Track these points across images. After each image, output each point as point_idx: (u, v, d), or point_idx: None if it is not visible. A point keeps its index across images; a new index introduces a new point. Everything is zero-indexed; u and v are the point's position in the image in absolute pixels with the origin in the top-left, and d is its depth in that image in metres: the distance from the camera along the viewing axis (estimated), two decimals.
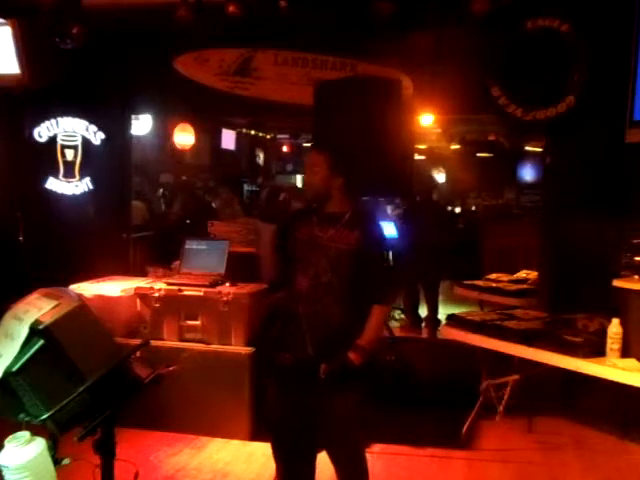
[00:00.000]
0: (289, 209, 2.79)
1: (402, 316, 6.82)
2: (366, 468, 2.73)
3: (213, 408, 4.07)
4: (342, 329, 2.59)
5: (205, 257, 4.41)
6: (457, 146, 12.28)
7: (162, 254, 5.60)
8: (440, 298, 6.81)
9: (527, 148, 12.21)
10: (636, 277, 3.60)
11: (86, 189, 5.44)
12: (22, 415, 1.87)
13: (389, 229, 6.39)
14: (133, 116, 6.10)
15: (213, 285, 4.19)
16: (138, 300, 4.31)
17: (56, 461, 1.90)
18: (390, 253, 5.74)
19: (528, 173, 12.67)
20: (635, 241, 3.72)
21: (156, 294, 4.23)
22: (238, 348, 4.12)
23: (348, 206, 2.73)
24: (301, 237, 2.70)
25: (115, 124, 5.46)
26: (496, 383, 4.29)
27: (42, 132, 5.40)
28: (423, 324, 6.71)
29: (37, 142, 5.40)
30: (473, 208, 11.36)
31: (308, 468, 2.76)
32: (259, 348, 4.03)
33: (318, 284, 2.61)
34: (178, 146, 9.79)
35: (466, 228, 9.99)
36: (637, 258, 3.64)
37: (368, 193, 3.90)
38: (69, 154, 5.42)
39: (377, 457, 3.85)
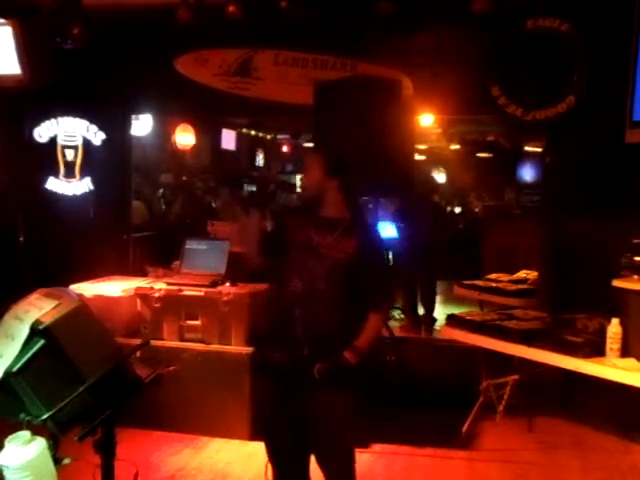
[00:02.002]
0: (276, 199, 2.74)
1: (402, 316, 6.82)
2: (354, 474, 2.69)
3: (213, 408, 4.07)
4: (337, 332, 2.57)
5: (205, 257, 4.41)
6: (457, 146, 12.27)
7: (162, 254, 5.60)
8: (440, 298, 6.81)
9: (527, 148, 12.21)
10: (636, 277, 3.60)
11: (86, 189, 5.44)
12: (22, 415, 1.87)
13: (389, 229, 6.38)
14: (133, 116, 6.10)
15: (213, 285, 4.19)
16: (138, 300, 4.32)
17: (56, 461, 1.90)
18: (390, 253, 5.77)
19: (528, 173, 12.67)
20: (635, 241, 3.72)
21: (156, 294, 4.23)
22: (238, 348, 4.12)
23: (346, 211, 2.69)
24: (296, 240, 2.64)
25: (115, 124, 5.46)
26: (496, 383, 4.30)
27: (42, 132, 5.40)
28: (421, 324, 6.70)
29: (37, 142, 5.40)
30: (476, 210, 11.34)
31: (302, 468, 2.73)
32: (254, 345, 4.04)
33: (313, 289, 2.57)
34: (179, 146, 9.79)
35: (466, 228, 10.00)
36: (637, 258, 3.64)
37: (368, 193, 3.90)
38: (69, 154, 5.42)
39: (377, 457, 3.86)
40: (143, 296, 4.29)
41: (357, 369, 2.56)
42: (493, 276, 5.44)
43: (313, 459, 2.71)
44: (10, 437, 1.85)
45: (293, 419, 2.61)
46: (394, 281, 3.04)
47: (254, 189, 13.09)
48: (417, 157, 10.31)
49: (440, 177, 13.17)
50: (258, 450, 3.91)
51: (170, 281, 4.32)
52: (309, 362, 2.51)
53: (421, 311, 6.68)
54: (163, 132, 9.57)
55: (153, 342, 3.86)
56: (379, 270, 2.70)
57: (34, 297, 2.01)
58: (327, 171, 2.65)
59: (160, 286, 4.26)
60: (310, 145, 10.41)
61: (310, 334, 2.55)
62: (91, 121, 5.39)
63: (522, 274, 5.38)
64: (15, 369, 1.82)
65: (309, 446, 2.68)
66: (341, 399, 2.57)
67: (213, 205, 9.52)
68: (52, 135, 5.41)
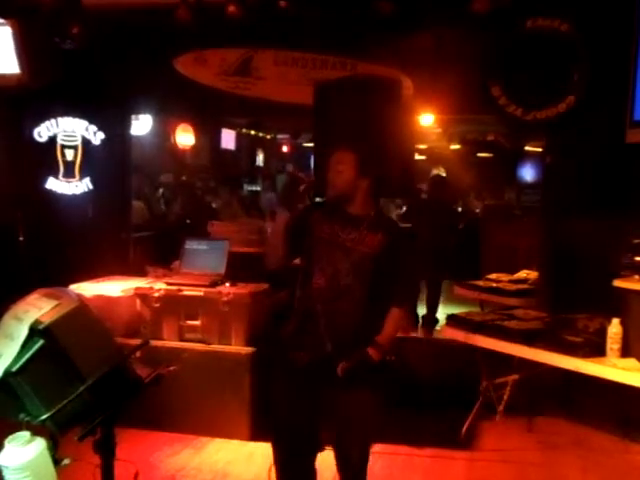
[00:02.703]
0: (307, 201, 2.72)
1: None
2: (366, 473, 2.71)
3: (213, 408, 4.07)
4: (361, 328, 2.58)
5: (205, 257, 4.41)
6: (457, 146, 12.27)
7: (162, 254, 5.59)
8: (440, 298, 6.80)
9: (527, 148, 12.21)
10: (636, 277, 3.60)
11: (86, 189, 5.44)
12: (22, 415, 1.87)
13: None
14: (133, 116, 6.10)
15: (213, 285, 4.19)
16: (138, 300, 4.31)
17: (56, 461, 1.90)
18: None
19: (528, 173, 12.66)
20: (635, 241, 3.71)
21: (156, 294, 4.23)
22: (238, 348, 4.12)
23: (371, 208, 2.69)
24: (322, 235, 2.63)
25: (115, 124, 5.45)
26: (496, 383, 4.29)
27: (42, 132, 5.39)
28: (420, 323, 6.70)
29: (37, 142, 5.39)
30: (477, 210, 11.33)
31: (309, 469, 2.72)
32: (267, 347, 4.01)
33: (337, 285, 2.56)
34: (180, 146, 9.80)
35: (466, 228, 9.98)
36: (637, 258, 3.64)
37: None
38: (69, 154, 5.42)
39: (377, 457, 3.85)
40: (143, 296, 4.29)
41: (380, 366, 2.58)
42: (493, 276, 5.43)
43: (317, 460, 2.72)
44: (10, 437, 1.85)
45: (309, 418, 2.61)
46: (419, 277, 3.05)
47: (253, 189, 13.11)
48: (417, 157, 10.31)
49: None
50: (258, 450, 3.93)
51: (170, 281, 4.31)
52: (333, 359, 2.51)
53: (422, 311, 6.68)
54: (163, 132, 9.58)
55: (153, 342, 3.86)
56: (405, 265, 2.68)
57: (33, 297, 2.01)
58: (360, 171, 2.63)
59: (160, 286, 4.26)
60: (310, 145, 10.40)
61: (333, 330, 2.55)
62: (91, 121, 5.38)
63: (522, 274, 5.37)
64: (14, 369, 1.82)
65: (319, 447, 2.67)
66: (365, 397, 2.57)
67: (213, 205, 9.52)
68: (52, 135, 5.40)
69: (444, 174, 9.16)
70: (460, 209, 11.57)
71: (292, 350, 2.63)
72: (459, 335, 4.12)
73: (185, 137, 9.84)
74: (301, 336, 2.63)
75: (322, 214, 2.68)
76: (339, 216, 2.65)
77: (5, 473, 1.82)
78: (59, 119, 5.39)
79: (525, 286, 5.04)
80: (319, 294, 2.58)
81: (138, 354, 2.11)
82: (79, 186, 5.43)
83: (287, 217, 2.66)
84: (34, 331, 1.85)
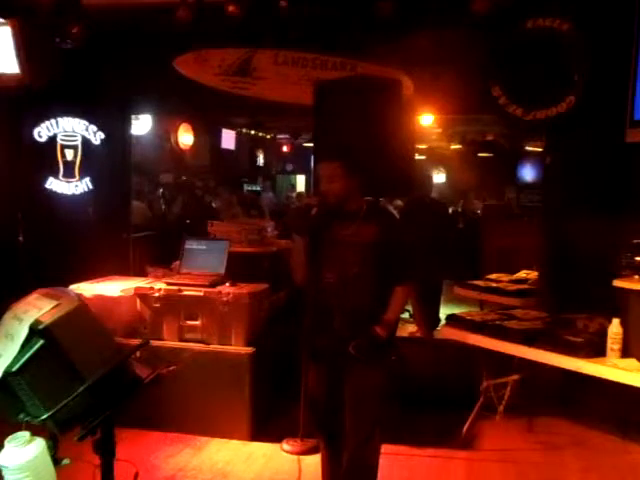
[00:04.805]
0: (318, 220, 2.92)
1: (403, 315, 6.80)
2: (376, 464, 2.93)
3: (213, 408, 4.07)
4: (373, 311, 2.84)
5: (205, 257, 4.41)
6: (457, 146, 12.27)
7: (162, 254, 5.59)
8: (441, 298, 6.79)
9: (527, 148, 12.21)
10: (636, 277, 3.59)
11: (86, 189, 5.44)
12: (22, 415, 1.87)
13: None
14: (133, 116, 6.10)
15: (213, 285, 4.19)
16: (138, 300, 4.31)
17: (56, 461, 1.90)
18: None
19: (528, 173, 12.66)
20: (635, 241, 3.71)
21: (156, 294, 4.23)
22: (238, 348, 4.11)
23: (363, 201, 2.96)
24: (327, 236, 2.89)
25: (115, 124, 5.45)
26: (496, 383, 4.29)
27: (42, 132, 5.39)
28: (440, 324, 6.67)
29: (37, 142, 5.39)
30: (478, 211, 11.32)
31: (339, 431, 2.95)
32: (269, 344, 4.25)
33: (346, 277, 2.82)
34: (182, 146, 9.80)
35: (466, 228, 9.98)
36: (637, 258, 3.64)
37: (369, 193, 3.89)
38: (69, 154, 5.42)
39: None
40: (143, 296, 4.29)
41: (387, 343, 2.87)
42: (493, 276, 5.43)
43: None
44: (10, 437, 1.86)
45: (337, 396, 2.89)
46: (418, 255, 3.28)
47: (253, 189, 13.10)
48: (417, 157, 10.30)
49: (440, 177, 13.16)
50: (258, 450, 3.95)
51: (170, 281, 4.31)
52: (347, 343, 2.80)
53: (443, 313, 6.64)
54: (163, 132, 9.57)
55: (153, 342, 3.87)
56: (401, 247, 2.93)
57: (33, 297, 2.01)
58: (348, 175, 2.89)
59: (160, 286, 4.26)
60: (310, 145, 10.40)
61: (346, 319, 2.83)
62: (90, 121, 5.39)
63: (522, 274, 5.37)
64: (14, 369, 1.82)
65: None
66: (374, 372, 2.87)
67: (213, 205, 9.53)
68: (52, 135, 5.40)
69: (443, 175, 9.15)
70: (460, 209, 11.58)
71: (317, 339, 2.90)
72: (459, 335, 4.12)
73: (185, 137, 9.84)
74: (320, 328, 2.88)
75: (325, 219, 2.91)
76: (337, 215, 2.90)
77: (5, 473, 1.82)
78: (59, 119, 5.39)
79: (525, 286, 5.04)
80: (331, 288, 2.85)
81: (138, 354, 2.11)
82: (79, 186, 5.44)
83: (305, 240, 2.92)
84: (34, 331, 1.85)
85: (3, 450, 1.85)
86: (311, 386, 3.03)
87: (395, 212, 7.30)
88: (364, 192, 3.01)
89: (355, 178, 2.91)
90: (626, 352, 3.43)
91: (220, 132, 11.73)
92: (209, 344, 4.17)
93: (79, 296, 2.10)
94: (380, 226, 2.88)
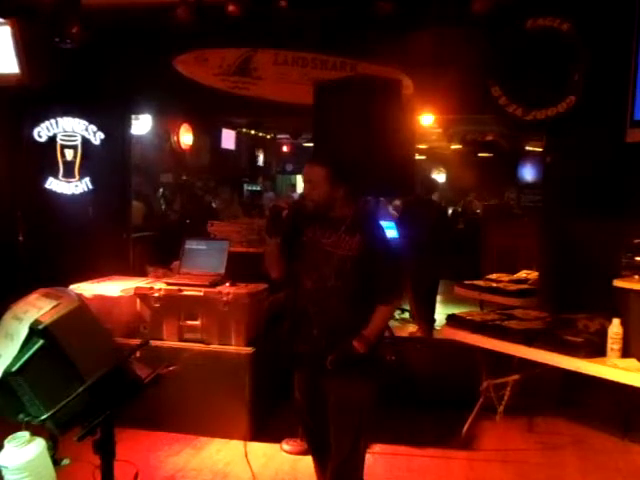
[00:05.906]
0: (291, 222, 2.85)
1: (402, 315, 6.82)
2: (360, 477, 2.83)
3: (213, 408, 4.07)
4: (350, 325, 2.70)
5: (205, 257, 4.40)
6: (457, 146, 12.26)
7: (162, 254, 5.59)
8: (440, 298, 6.80)
9: (527, 148, 12.20)
10: (636, 277, 3.60)
11: (86, 189, 5.43)
12: (22, 415, 1.87)
13: (390, 231, 6.36)
14: (133, 116, 6.10)
15: (213, 285, 4.19)
16: (138, 300, 4.31)
17: (56, 461, 1.90)
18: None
19: (528, 173, 12.66)
20: (635, 241, 3.71)
21: (156, 294, 4.22)
22: (238, 348, 4.11)
23: (349, 209, 2.80)
24: (306, 240, 2.78)
25: (115, 124, 5.45)
26: (496, 383, 4.29)
27: (42, 132, 5.39)
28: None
29: (37, 142, 5.39)
30: (478, 211, 11.33)
31: (324, 440, 2.87)
32: (268, 344, 4.14)
33: (323, 287, 2.71)
34: (182, 146, 9.80)
35: (466, 228, 9.99)
36: (637, 258, 3.64)
37: (369, 193, 3.89)
38: (69, 154, 5.42)
39: (377, 457, 3.85)
40: (143, 296, 4.29)
41: (371, 358, 2.71)
42: (493, 276, 5.43)
43: None
44: (9, 438, 1.85)
45: (319, 402, 2.81)
46: (403, 275, 3.17)
47: (253, 188, 13.10)
48: (417, 157, 10.30)
49: (440, 177, 13.16)
50: (258, 450, 3.94)
51: (170, 281, 4.31)
52: (326, 353, 2.67)
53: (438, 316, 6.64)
54: (163, 132, 9.57)
55: (153, 342, 3.86)
56: (386, 264, 2.76)
57: (33, 297, 2.01)
58: (334, 182, 2.75)
59: (160, 286, 4.26)
60: (310, 145, 10.39)
61: (324, 329, 2.71)
62: (90, 121, 5.38)
63: (522, 274, 5.37)
64: (14, 369, 1.82)
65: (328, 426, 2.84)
66: (354, 385, 2.72)
67: (213, 205, 9.53)
68: (52, 135, 5.40)
69: (443, 175, 9.15)
70: (460, 209, 11.59)
71: (297, 345, 2.81)
72: (459, 335, 4.12)
73: (185, 137, 9.85)
74: (297, 334, 2.80)
75: (306, 218, 2.81)
76: (320, 220, 2.78)
77: (5, 473, 1.82)
78: (59, 119, 5.39)
79: (525, 286, 5.04)
80: (309, 295, 2.75)
81: (138, 354, 2.11)
82: (79, 186, 5.43)
83: (278, 242, 2.81)
84: (34, 331, 1.85)
85: (3, 450, 1.84)
86: (295, 391, 2.95)
87: (395, 212, 7.32)
88: (354, 200, 2.86)
89: (340, 186, 2.75)
90: (626, 352, 3.43)
91: (220, 132, 11.73)
92: (209, 344, 4.17)
93: (79, 296, 2.10)
94: (365, 237, 2.71)
